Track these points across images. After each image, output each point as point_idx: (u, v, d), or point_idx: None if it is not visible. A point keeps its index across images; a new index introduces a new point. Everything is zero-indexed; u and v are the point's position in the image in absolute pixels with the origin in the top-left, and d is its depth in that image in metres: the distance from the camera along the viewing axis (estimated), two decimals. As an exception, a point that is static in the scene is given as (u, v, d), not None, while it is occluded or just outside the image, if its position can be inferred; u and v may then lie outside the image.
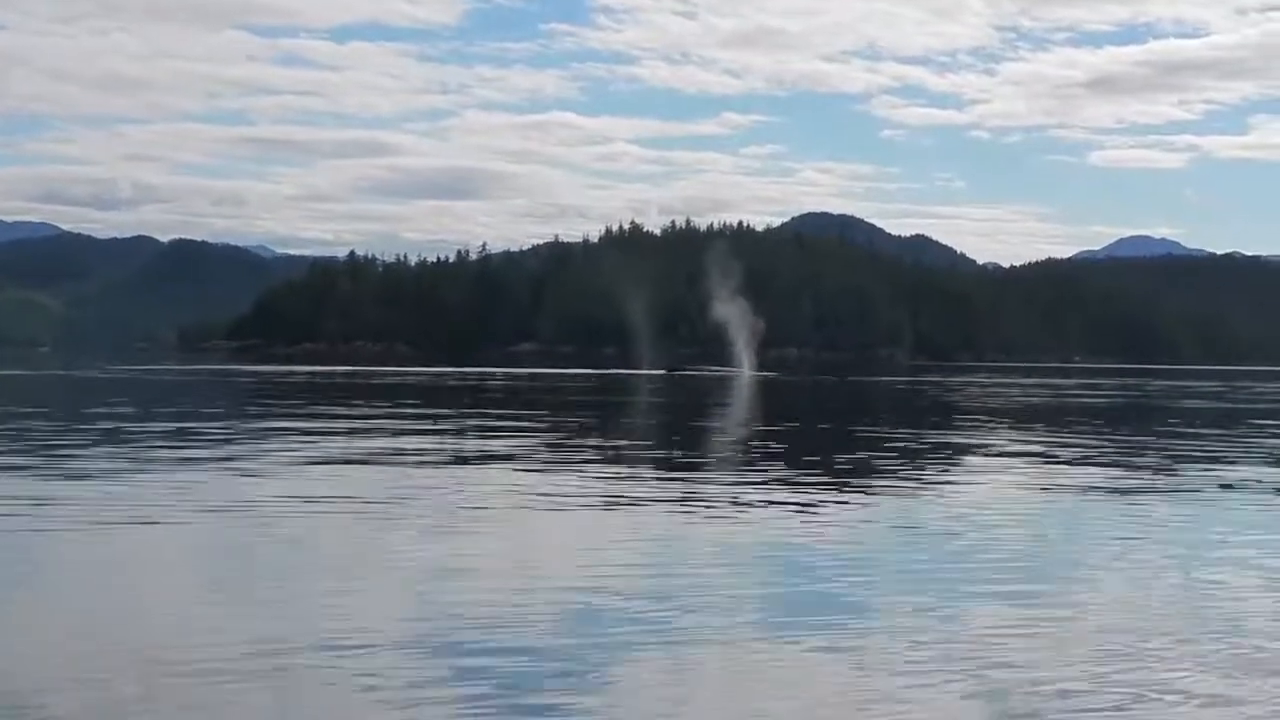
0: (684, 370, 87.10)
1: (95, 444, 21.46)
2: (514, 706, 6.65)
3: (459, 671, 7.29)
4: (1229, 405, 51.42)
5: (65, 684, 6.98)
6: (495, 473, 18.49)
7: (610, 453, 22.80)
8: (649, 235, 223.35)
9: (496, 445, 23.32)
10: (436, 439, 24.75)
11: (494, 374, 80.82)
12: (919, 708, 6.77)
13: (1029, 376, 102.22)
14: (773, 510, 14.43)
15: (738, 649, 7.90)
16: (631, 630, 8.29)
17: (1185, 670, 7.60)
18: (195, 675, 7.05)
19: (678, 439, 27.92)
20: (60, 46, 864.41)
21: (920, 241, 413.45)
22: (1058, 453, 23.77)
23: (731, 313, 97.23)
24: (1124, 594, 9.91)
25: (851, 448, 24.52)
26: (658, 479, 17.79)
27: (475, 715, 6.52)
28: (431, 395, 48.76)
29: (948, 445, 26.13)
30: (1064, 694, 7.04)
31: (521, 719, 6.53)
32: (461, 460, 20.62)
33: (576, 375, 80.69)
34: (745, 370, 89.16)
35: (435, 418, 32.61)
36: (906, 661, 7.62)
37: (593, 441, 25.32)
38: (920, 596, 9.53)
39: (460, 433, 27.01)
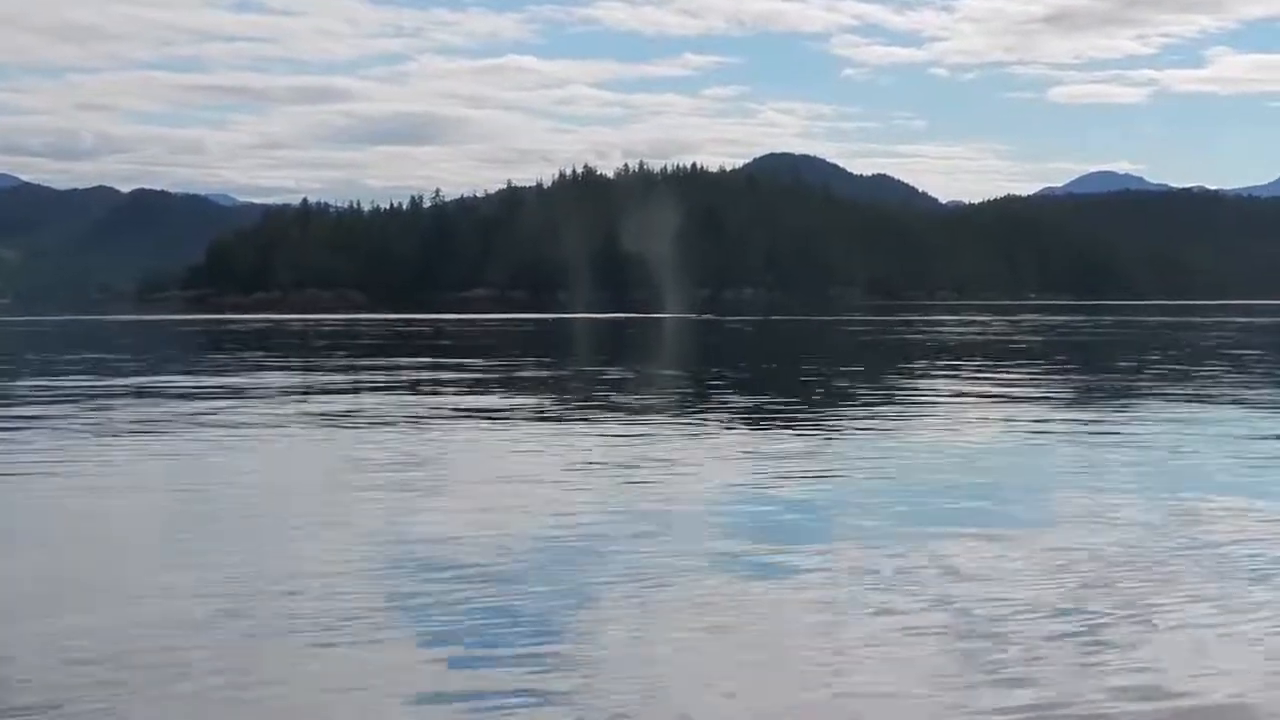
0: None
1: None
2: (488, 657, 6.66)
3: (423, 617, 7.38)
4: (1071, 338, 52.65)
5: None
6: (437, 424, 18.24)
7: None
8: (602, 179, 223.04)
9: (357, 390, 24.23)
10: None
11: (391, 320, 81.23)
12: (893, 649, 6.80)
13: (948, 314, 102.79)
14: (726, 455, 14.23)
15: (707, 594, 7.90)
16: (601, 575, 8.32)
17: (1160, 594, 7.88)
18: (152, 623, 7.24)
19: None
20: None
21: (882, 180, 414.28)
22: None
23: (650, 250, 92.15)
24: (1093, 525, 10.10)
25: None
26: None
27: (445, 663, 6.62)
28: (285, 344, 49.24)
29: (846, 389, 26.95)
30: (1035, 622, 7.23)
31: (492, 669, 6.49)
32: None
33: (473, 321, 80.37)
34: (671, 313, 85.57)
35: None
36: (879, 601, 7.68)
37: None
38: (892, 535, 9.58)
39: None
